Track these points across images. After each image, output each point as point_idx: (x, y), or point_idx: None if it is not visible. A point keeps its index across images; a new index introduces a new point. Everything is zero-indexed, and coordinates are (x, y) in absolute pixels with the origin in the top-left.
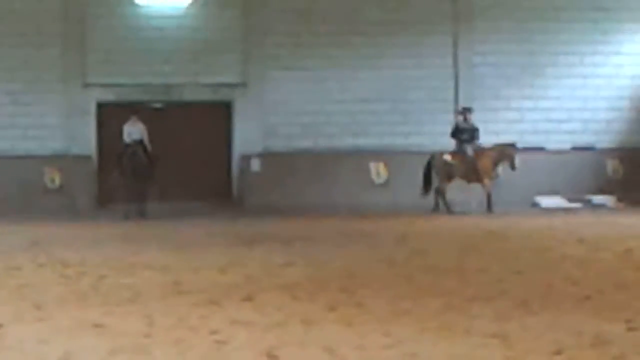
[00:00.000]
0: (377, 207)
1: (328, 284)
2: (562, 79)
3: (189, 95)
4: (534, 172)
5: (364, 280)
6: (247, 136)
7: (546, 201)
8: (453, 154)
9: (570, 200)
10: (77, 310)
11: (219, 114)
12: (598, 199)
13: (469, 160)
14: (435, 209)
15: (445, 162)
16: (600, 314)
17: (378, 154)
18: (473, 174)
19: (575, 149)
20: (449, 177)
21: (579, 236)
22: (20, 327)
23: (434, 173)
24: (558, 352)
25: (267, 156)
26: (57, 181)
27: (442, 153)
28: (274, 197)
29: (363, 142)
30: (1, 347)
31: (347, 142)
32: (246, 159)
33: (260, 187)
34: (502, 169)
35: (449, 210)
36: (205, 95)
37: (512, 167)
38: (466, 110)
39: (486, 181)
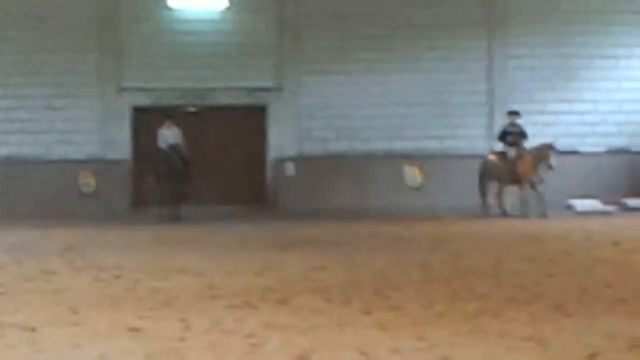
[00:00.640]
0: (412, 211)
1: (362, 287)
2: (597, 82)
3: (223, 99)
4: (569, 175)
5: (398, 283)
6: (281, 140)
7: (581, 204)
8: (497, 154)
9: (604, 203)
10: (112, 314)
11: (254, 118)
12: (633, 202)
13: (509, 162)
14: (489, 212)
15: (490, 163)
16: (635, 316)
17: (413, 157)
18: (511, 177)
19: (609, 152)
20: (492, 178)
21: (614, 239)
22: (55, 330)
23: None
24: (593, 355)
25: (301, 160)
26: (93, 185)
27: (491, 155)
28: (308, 201)
29: (398, 145)
30: (35, 350)
31: (382, 145)
32: (281, 162)
33: (294, 190)
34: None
35: (502, 210)
36: (240, 99)
37: (549, 166)
38: (513, 114)
39: (524, 184)
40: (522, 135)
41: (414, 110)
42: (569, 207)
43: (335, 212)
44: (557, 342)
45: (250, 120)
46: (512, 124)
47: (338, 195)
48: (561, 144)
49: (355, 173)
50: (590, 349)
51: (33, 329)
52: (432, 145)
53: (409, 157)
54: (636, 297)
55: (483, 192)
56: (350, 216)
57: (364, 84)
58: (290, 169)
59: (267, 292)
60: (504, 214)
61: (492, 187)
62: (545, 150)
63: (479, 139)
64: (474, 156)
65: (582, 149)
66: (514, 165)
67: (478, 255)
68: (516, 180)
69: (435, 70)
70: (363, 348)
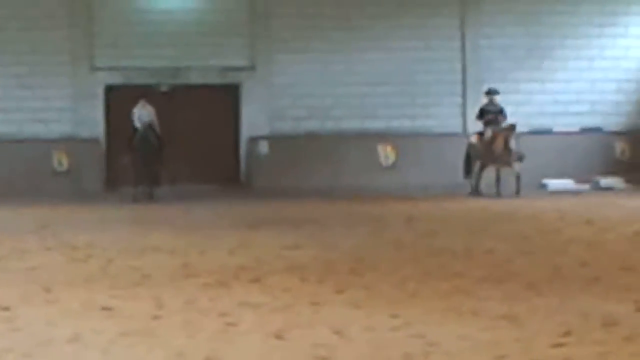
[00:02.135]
0: (385, 190)
1: (336, 266)
2: (570, 61)
3: (196, 78)
4: (542, 155)
5: (372, 262)
6: (254, 119)
7: (554, 183)
8: (477, 135)
9: (578, 182)
10: (85, 292)
11: (227, 97)
12: (606, 181)
13: (486, 141)
14: (475, 192)
15: (471, 144)
16: (608, 295)
17: (386, 136)
18: (489, 156)
19: (583, 131)
20: (475, 158)
21: (587, 218)
22: (29, 309)
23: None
24: (567, 334)
25: (274, 139)
26: (65, 164)
27: (473, 136)
28: (281, 180)
29: (371, 124)
30: (10, 328)
31: (355, 124)
32: (254, 141)
33: (268, 169)
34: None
35: (473, 191)
36: (213, 78)
37: (507, 148)
38: (491, 93)
39: (498, 163)
40: (502, 113)
41: (387, 89)
42: (543, 187)
43: (308, 191)
44: (531, 321)
45: (223, 99)
46: (491, 103)
47: (311, 174)
48: (534, 123)
49: (328, 152)
50: (564, 328)
51: (7, 308)
52: (405, 124)
53: (382, 136)
54: (609, 276)
55: (468, 173)
56: (324, 195)
57: (336, 63)
58: (263, 147)
59: (241, 271)
60: (479, 193)
61: (476, 167)
62: (506, 130)
63: (451, 118)
64: (446, 135)
65: (555, 128)
66: (490, 144)
67: (451, 234)
68: (494, 159)
69: (407, 49)
70: (337, 326)
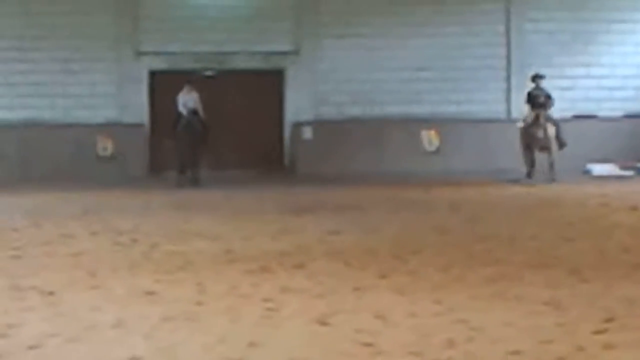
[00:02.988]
0: (429, 175)
1: (379, 251)
2: (615, 46)
3: (241, 63)
4: (586, 140)
5: (415, 247)
6: (298, 104)
7: (598, 169)
8: (524, 121)
9: (622, 167)
10: (129, 277)
11: (271, 82)
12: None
13: (527, 125)
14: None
15: (519, 129)
16: None
17: (429, 121)
18: (533, 142)
19: (627, 116)
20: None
21: (631, 204)
22: (74, 294)
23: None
24: (609, 320)
25: (318, 124)
26: (110, 149)
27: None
28: (325, 165)
29: (414, 109)
30: (54, 313)
31: (399, 110)
32: (298, 126)
33: (311, 155)
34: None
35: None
36: (257, 63)
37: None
38: (537, 77)
39: (540, 150)
40: (550, 98)
41: (431, 74)
42: (587, 172)
43: (352, 176)
44: (574, 307)
45: (268, 84)
46: (537, 88)
47: (355, 159)
48: (579, 108)
49: (371, 137)
50: (607, 314)
51: (51, 293)
52: (449, 109)
53: (426, 122)
54: None
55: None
56: (367, 180)
57: (381, 48)
58: (307, 133)
59: (283, 257)
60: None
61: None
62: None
63: (496, 103)
64: (490, 120)
65: (600, 113)
66: (531, 128)
67: (495, 219)
68: (535, 145)
69: (452, 34)
70: (380, 312)
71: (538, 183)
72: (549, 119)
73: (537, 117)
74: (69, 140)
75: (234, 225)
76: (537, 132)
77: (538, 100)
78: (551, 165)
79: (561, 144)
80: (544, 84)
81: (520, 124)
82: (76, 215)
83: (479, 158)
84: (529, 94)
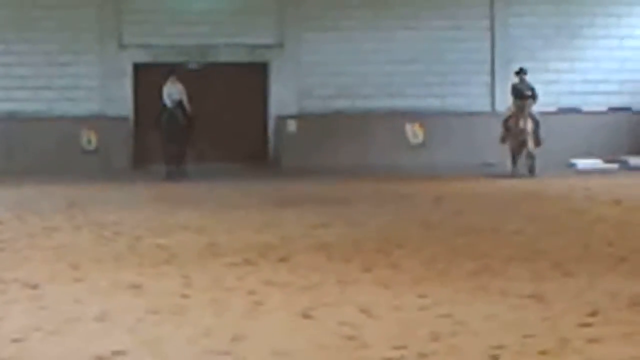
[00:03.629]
0: (413, 169)
1: (363, 245)
2: (599, 39)
3: (225, 56)
4: (570, 134)
5: (399, 241)
6: (283, 97)
7: (582, 163)
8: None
9: (606, 161)
10: (113, 270)
11: (255, 75)
12: (634, 160)
13: (508, 118)
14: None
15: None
16: (636, 275)
17: (414, 115)
18: (511, 134)
19: (611, 110)
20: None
21: (615, 197)
22: (57, 287)
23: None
24: (594, 314)
25: (303, 117)
26: (94, 142)
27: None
28: (309, 159)
29: (399, 103)
30: (38, 306)
31: (383, 103)
32: (282, 120)
33: (295, 148)
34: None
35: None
36: (241, 56)
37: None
38: (521, 72)
39: (520, 141)
40: (533, 92)
41: (415, 67)
42: (571, 166)
43: (336, 169)
44: (558, 300)
45: (251, 77)
46: (521, 82)
47: (339, 152)
48: (563, 102)
49: (356, 131)
50: (591, 307)
51: (35, 286)
52: (434, 103)
53: (410, 115)
54: (637, 256)
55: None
56: (352, 174)
57: (365, 41)
58: (291, 126)
59: (268, 250)
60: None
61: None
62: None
63: (480, 97)
64: (475, 114)
65: (584, 107)
66: (507, 121)
67: (479, 213)
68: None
69: (436, 27)
70: (364, 305)
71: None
72: (530, 114)
73: (520, 108)
74: (53, 133)
75: (219, 218)
76: (518, 122)
77: (523, 93)
78: (530, 156)
79: (537, 142)
80: (528, 78)
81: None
82: (60, 208)
83: (463, 151)
84: (513, 87)
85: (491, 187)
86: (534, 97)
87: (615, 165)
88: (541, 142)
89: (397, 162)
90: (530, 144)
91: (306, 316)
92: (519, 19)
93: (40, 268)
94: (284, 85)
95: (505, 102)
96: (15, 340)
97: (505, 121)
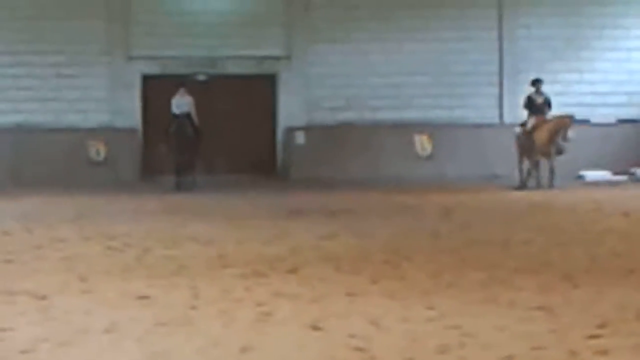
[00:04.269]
0: (421, 180)
1: (372, 256)
2: (608, 52)
3: (233, 68)
4: (579, 146)
5: (407, 253)
6: (291, 109)
7: (591, 174)
8: (522, 125)
9: (615, 173)
10: (122, 282)
11: (263, 87)
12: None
13: (527, 131)
14: (533, 184)
15: (516, 134)
16: None
17: (422, 126)
18: (530, 145)
19: (620, 121)
20: (518, 148)
21: (624, 209)
22: (66, 298)
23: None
24: (602, 325)
25: (311, 129)
26: (102, 154)
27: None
28: (318, 170)
29: (407, 114)
30: (47, 318)
31: (392, 114)
32: (290, 131)
33: (304, 160)
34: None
35: (520, 184)
36: (250, 68)
37: (564, 138)
38: (537, 82)
39: (539, 155)
40: (547, 103)
41: (424, 79)
42: (580, 178)
43: (344, 181)
44: (566, 312)
45: (260, 89)
46: (537, 92)
47: (348, 164)
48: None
49: (364, 142)
50: (600, 319)
51: (43, 297)
52: (442, 114)
53: (419, 127)
54: None
55: (520, 166)
56: (360, 185)
57: (373, 53)
58: (300, 138)
59: (276, 261)
60: (525, 186)
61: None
62: (564, 121)
63: (488, 109)
64: (483, 125)
65: (592, 119)
66: (531, 134)
67: (487, 225)
68: (534, 150)
69: (445, 39)
70: (373, 317)
71: (533, 189)
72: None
73: (541, 122)
74: (61, 144)
75: (227, 229)
76: (538, 138)
77: (536, 105)
78: (551, 170)
79: (560, 150)
80: (544, 88)
81: (518, 129)
82: (68, 219)
83: (471, 163)
84: (529, 98)
85: (499, 199)
86: (545, 110)
87: (623, 177)
88: (564, 149)
89: (406, 173)
90: (553, 157)
91: (315, 328)
92: (528, 30)
93: (48, 279)
94: (292, 97)
95: (513, 114)
96: (23, 352)
97: (527, 135)
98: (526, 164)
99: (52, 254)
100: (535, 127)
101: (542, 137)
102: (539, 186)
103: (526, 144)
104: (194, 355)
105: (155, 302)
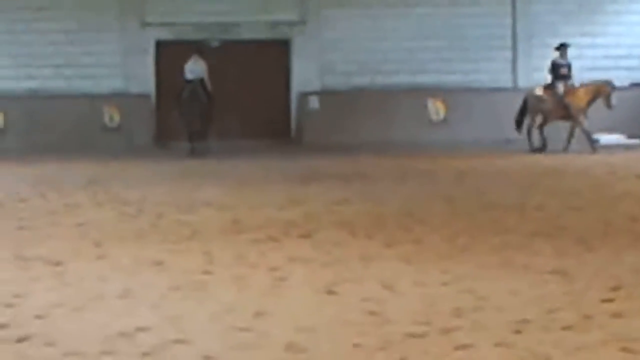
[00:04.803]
0: (435, 145)
1: (386, 221)
2: (621, 15)
3: (246, 34)
4: (593, 109)
5: (422, 217)
6: (305, 74)
7: (605, 138)
8: (545, 88)
9: (629, 137)
10: (136, 247)
11: (277, 52)
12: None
13: (558, 96)
14: (535, 148)
15: (536, 97)
16: None
17: (436, 91)
18: (561, 111)
19: (633, 85)
20: (537, 112)
21: (638, 173)
22: (80, 264)
23: (528, 110)
24: (616, 288)
25: (325, 94)
26: (116, 120)
27: (536, 89)
28: (331, 135)
29: (421, 79)
30: (61, 283)
31: (405, 79)
32: (304, 96)
33: (318, 124)
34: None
35: (532, 147)
36: (263, 33)
37: (609, 105)
38: (562, 47)
39: (581, 118)
40: (569, 68)
41: (437, 43)
42: (594, 141)
43: (358, 146)
44: (580, 276)
45: (274, 54)
46: (562, 57)
47: (361, 129)
48: (585, 77)
49: (378, 107)
50: (614, 282)
51: (58, 263)
52: (455, 79)
53: (432, 91)
54: None
55: (519, 126)
56: (374, 150)
57: (386, 17)
58: (314, 102)
59: (290, 226)
60: (542, 148)
61: (537, 121)
62: (604, 87)
63: (501, 73)
64: (497, 90)
65: None
66: (562, 100)
67: (502, 189)
68: (566, 115)
69: (457, 3)
70: (387, 281)
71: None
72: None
73: (574, 88)
74: (75, 110)
75: (241, 194)
76: (573, 103)
77: (561, 71)
78: (588, 135)
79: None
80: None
81: (539, 91)
82: (82, 185)
83: (485, 127)
84: (553, 63)
85: (513, 163)
86: (569, 76)
87: (637, 141)
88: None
89: (419, 138)
90: (584, 123)
91: (329, 292)
92: None
93: (63, 245)
94: (306, 62)
95: (526, 78)
96: (38, 317)
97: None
98: (537, 125)
99: (66, 220)
100: (567, 93)
101: (579, 102)
102: (565, 150)
103: (554, 107)
104: (208, 320)
105: (169, 268)
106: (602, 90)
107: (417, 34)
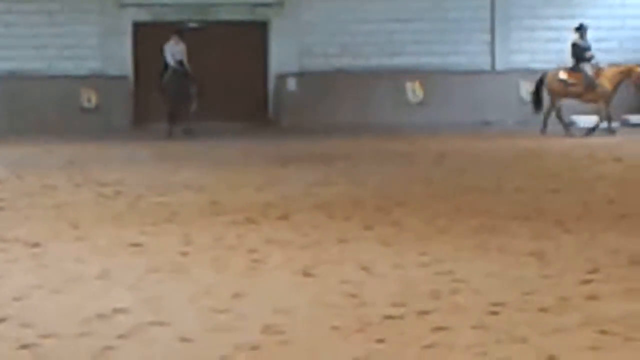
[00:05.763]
0: (413, 127)
1: (364, 203)
2: None
3: (225, 15)
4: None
5: (400, 199)
6: (283, 56)
7: (583, 120)
8: (569, 72)
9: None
10: (114, 229)
11: (255, 34)
12: (635, 118)
13: (588, 79)
14: (544, 129)
15: (561, 80)
16: (636, 232)
17: (414, 73)
18: (590, 94)
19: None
20: (564, 95)
21: (616, 155)
22: (58, 245)
23: (544, 92)
24: (594, 271)
25: (303, 76)
26: (94, 101)
27: (557, 71)
28: (310, 117)
29: (399, 61)
30: (39, 265)
31: (383, 61)
32: (282, 78)
33: (296, 106)
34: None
35: (566, 128)
36: (242, 15)
37: (638, 87)
38: (581, 28)
39: (606, 101)
40: (589, 50)
41: (416, 26)
42: (572, 124)
43: (336, 127)
44: (558, 258)
45: (252, 36)
46: (582, 39)
47: (339, 111)
48: (564, 60)
49: (356, 89)
50: (592, 265)
51: (35, 244)
52: (434, 61)
53: (410, 73)
54: (638, 214)
55: (538, 107)
56: (352, 132)
57: None
58: (292, 84)
59: (269, 208)
60: (546, 131)
61: (557, 105)
62: (636, 68)
63: (480, 55)
64: (475, 72)
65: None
66: (593, 82)
67: (480, 171)
68: (595, 97)
69: None
70: (365, 263)
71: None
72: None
73: (598, 71)
74: (53, 92)
75: (219, 176)
76: (602, 84)
77: (586, 55)
78: (608, 117)
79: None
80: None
81: (564, 75)
82: (60, 167)
83: (463, 110)
84: (574, 45)
85: (491, 146)
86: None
87: (615, 123)
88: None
89: (398, 120)
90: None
91: (307, 274)
92: None
93: (40, 227)
94: (284, 43)
95: (504, 60)
96: (16, 299)
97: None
98: (555, 107)
99: (44, 201)
100: (597, 74)
101: (609, 83)
102: (612, 131)
103: (583, 90)
104: (186, 301)
105: (147, 249)
106: (634, 71)
107: (395, 16)
